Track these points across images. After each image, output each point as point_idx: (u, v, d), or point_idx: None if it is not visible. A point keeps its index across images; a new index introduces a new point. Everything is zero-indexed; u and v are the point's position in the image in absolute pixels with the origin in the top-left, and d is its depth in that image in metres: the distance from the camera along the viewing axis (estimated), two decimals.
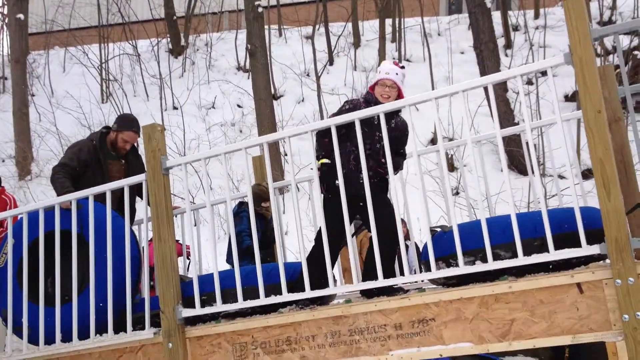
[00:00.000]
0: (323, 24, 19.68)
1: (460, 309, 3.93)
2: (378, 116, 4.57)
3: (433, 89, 16.60)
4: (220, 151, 5.00)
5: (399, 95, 4.97)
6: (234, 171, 13.11)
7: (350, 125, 4.63)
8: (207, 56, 20.34)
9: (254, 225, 4.59)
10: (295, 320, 4.44)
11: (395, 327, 4.11)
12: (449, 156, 13.45)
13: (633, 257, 3.48)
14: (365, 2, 21.15)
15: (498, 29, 17.54)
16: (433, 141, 15.39)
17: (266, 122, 14.38)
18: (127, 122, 6.05)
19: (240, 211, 5.97)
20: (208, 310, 4.76)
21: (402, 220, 7.92)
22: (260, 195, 6.18)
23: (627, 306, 3.46)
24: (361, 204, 4.54)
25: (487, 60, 14.12)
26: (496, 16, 17.97)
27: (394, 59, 4.55)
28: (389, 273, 4.47)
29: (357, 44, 19.78)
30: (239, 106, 18.09)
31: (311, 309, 4.40)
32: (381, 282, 4.21)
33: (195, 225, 6.16)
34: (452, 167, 13.49)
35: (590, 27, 3.70)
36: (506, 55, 17.45)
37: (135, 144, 6.20)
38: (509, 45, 18.27)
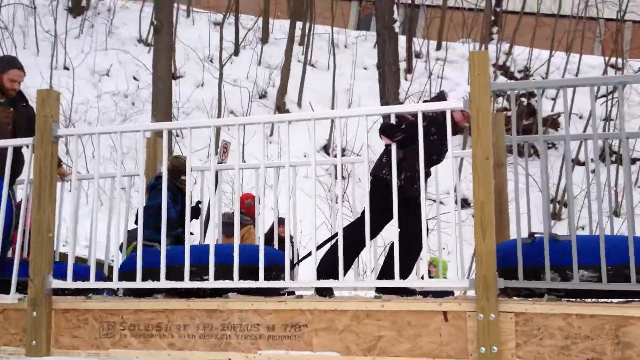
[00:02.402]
0: (233, 14, 19.54)
1: (333, 319, 4.09)
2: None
3: (334, 98, 16.93)
4: (117, 129, 4.91)
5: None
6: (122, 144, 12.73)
7: (426, 131, 4.52)
8: (108, 22, 19.62)
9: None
10: (169, 308, 4.44)
11: (268, 328, 4.20)
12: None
13: (497, 295, 3.78)
14: (278, 1, 21.21)
15: (401, 52, 18.17)
16: (326, 147, 15.72)
17: (162, 100, 14.07)
18: (9, 61, 5.87)
19: (158, 184, 5.79)
20: (79, 284, 4.68)
21: (282, 219, 8.05)
22: (180, 168, 6.05)
23: (485, 339, 3.74)
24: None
25: (388, 82, 14.62)
26: (401, 40, 18.59)
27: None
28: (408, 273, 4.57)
29: (265, 40, 19.80)
30: (135, 78, 17.59)
31: (187, 300, 4.42)
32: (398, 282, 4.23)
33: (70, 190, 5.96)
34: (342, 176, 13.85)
35: (491, 80, 3.99)
36: (406, 79, 18.09)
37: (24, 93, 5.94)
38: (409, 70, 18.96)
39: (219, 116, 15.20)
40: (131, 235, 5.62)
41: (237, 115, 15.82)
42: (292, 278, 4.73)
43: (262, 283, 4.27)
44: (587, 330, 3.63)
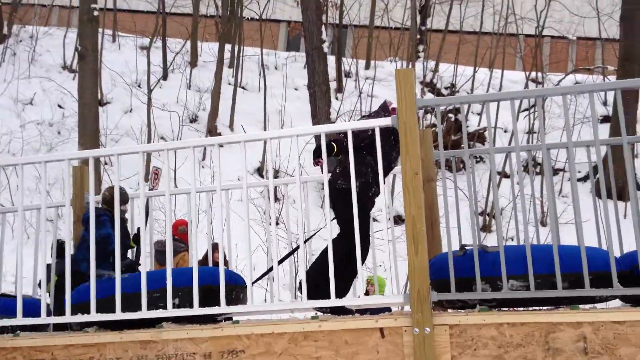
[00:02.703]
0: (160, 38, 19.36)
1: (271, 343, 4.06)
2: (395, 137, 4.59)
3: (265, 119, 16.93)
4: (43, 158, 4.77)
5: None
6: (48, 174, 12.39)
7: (372, 140, 4.53)
8: (31, 50, 19.09)
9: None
10: (100, 341, 4.32)
11: (205, 356, 4.13)
12: (275, 188, 13.80)
13: (431, 309, 3.83)
14: (206, 24, 21.13)
15: (331, 72, 18.35)
16: (259, 170, 15.66)
17: (89, 128, 13.81)
18: None
19: (99, 215, 5.65)
20: (6, 322, 4.52)
21: (215, 245, 7.99)
22: (120, 198, 5.92)
23: (421, 354, 3.78)
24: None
25: (319, 101, 14.73)
26: (331, 60, 18.79)
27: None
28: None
29: (194, 63, 19.65)
30: (60, 106, 17.15)
31: (119, 332, 4.31)
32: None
33: None
34: (275, 198, 13.83)
35: (416, 97, 4.08)
36: (337, 98, 18.26)
37: None
38: (340, 89, 19.15)
39: (149, 142, 14.96)
40: (56, 268, 5.45)
41: (167, 140, 15.60)
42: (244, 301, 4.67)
43: (196, 310, 4.20)
44: (519, 338, 3.71)
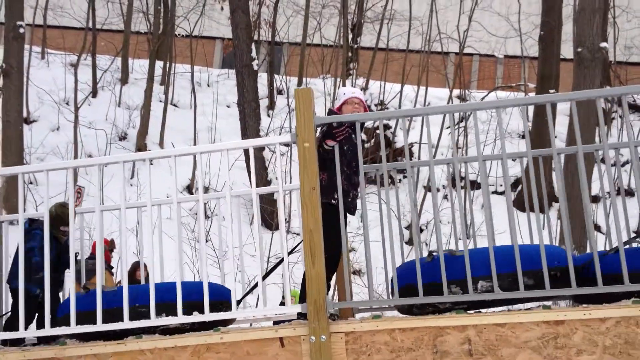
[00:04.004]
0: (90, 54, 19.17)
1: (174, 356, 4.13)
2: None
3: (195, 136, 16.94)
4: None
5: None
6: None
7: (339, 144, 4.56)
8: None
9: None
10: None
11: None
12: (205, 204, 13.82)
13: (328, 317, 3.98)
14: (137, 40, 21.02)
15: (264, 89, 18.52)
16: (189, 187, 15.65)
17: (13, 146, 13.57)
18: None
19: (32, 229, 5.57)
20: None
21: (137, 264, 7.98)
22: (62, 218, 5.84)
23: None
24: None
25: (249, 118, 14.89)
26: (264, 77, 18.97)
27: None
28: None
29: (124, 80, 19.51)
30: None
31: (23, 349, 4.31)
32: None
33: None
34: (205, 215, 13.87)
35: (315, 115, 4.25)
36: (268, 115, 18.41)
37: None
38: (271, 106, 19.33)
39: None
40: None
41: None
42: None
43: (100, 326, 4.24)
44: (409, 342, 3.90)
